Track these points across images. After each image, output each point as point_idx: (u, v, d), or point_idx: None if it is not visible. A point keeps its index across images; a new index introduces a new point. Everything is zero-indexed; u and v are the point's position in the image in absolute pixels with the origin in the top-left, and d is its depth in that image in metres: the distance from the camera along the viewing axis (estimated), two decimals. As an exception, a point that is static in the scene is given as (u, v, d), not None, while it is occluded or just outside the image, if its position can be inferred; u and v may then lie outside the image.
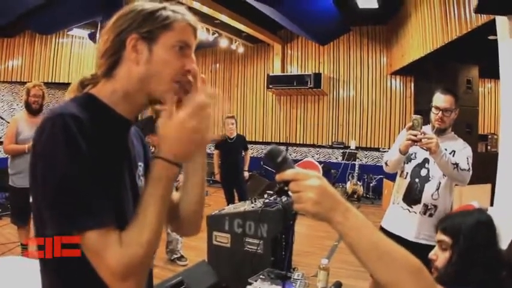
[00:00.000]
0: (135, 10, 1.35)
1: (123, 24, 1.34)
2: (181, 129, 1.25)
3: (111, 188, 1.27)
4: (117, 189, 1.33)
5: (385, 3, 9.41)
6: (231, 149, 8.22)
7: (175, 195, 1.60)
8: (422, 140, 3.43)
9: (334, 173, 12.05)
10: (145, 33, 1.32)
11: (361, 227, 1.22)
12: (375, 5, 9.24)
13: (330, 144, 13.03)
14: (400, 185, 3.85)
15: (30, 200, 1.27)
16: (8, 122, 6.50)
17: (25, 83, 5.89)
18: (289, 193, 1.27)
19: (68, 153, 1.15)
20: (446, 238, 1.90)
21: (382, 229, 3.80)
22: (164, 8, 1.36)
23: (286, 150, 12.90)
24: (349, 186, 11.51)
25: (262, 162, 12.59)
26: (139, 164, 1.53)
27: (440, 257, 1.92)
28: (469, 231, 1.86)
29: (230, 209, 5.41)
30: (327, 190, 1.22)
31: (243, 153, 8.64)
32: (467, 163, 3.56)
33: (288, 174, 1.26)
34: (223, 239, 5.10)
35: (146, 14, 1.34)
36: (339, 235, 1.23)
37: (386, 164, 3.88)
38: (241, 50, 13.49)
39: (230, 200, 8.11)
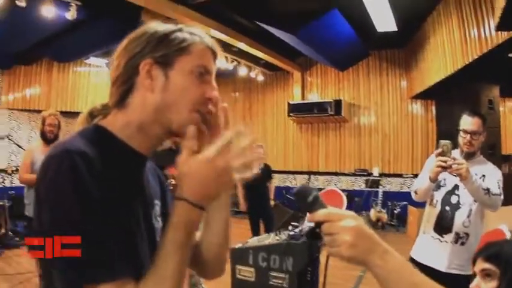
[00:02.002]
0: (148, 32, 1.22)
1: (136, 48, 1.20)
2: (208, 169, 1.09)
3: (125, 233, 1.12)
4: (131, 233, 1.18)
5: (404, 26, 9.38)
6: (258, 178, 7.94)
7: (197, 234, 1.45)
8: (453, 166, 3.28)
9: (358, 201, 11.85)
10: (161, 57, 1.18)
11: (401, 270, 1.11)
12: (394, 28, 9.24)
13: (353, 171, 12.87)
14: (430, 213, 3.69)
15: None
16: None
17: (43, 111, 5.89)
18: (322, 235, 1.15)
19: (76, 199, 1.01)
20: (492, 267, 1.77)
21: (412, 260, 3.62)
22: (180, 30, 1.23)
23: (309, 178, 12.78)
24: (373, 213, 11.29)
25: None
26: (156, 202, 1.37)
27: None
28: None
29: (254, 241, 5.26)
30: (363, 231, 1.12)
31: (268, 183, 8.44)
32: (499, 187, 3.41)
33: (320, 215, 1.15)
34: (247, 273, 4.92)
35: (161, 36, 1.21)
36: (377, 279, 1.12)
37: (415, 192, 3.73)
38: (260, 78, 13.50)
39: (256, 231, 8.01)
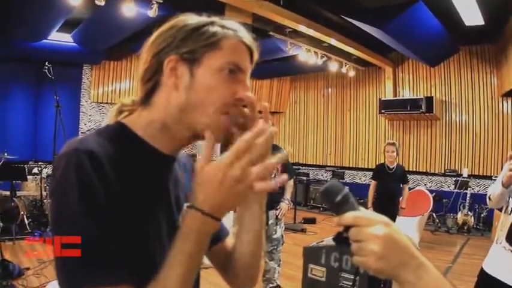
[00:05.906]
0: (177, 26, 1.15)
1: (162, 43, 1.14)
2: (222, 178, 0.98)
3: (136, 237, 1.07)
4: (146, 237, 1.12)
5: (491, 19, 8.94)
6: (390, 179, 7.41)
7: (230, 241, 1.42)
8: None
9: (445, 203, 11.46)
10: (187, 53, 1.11)
11: None
12: (481, 22, 8.84)
13: (443, 172, 12.38)
14: (504, 222, 3.37)
15: None
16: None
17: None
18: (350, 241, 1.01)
19: (79, 200, 0.96)
20: None
21: (483, 272, 3.38)
22: (212, 23, 1.15)
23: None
24: (459, 216, 10.84)
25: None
26: (186, 205, 1.27)
27: None
28: None
29: (329, 241, 5.16)
30: (395, 241, 0.97)
31: (401, 186, 7.61)
32: None
33: (347, 218, 1.01)
34: (318, 272, 4.82)
35: (189, 30, 1.13)
36: None
37: (489, 198, 3.46)
38: (352, 73, 13.27)
39: None
